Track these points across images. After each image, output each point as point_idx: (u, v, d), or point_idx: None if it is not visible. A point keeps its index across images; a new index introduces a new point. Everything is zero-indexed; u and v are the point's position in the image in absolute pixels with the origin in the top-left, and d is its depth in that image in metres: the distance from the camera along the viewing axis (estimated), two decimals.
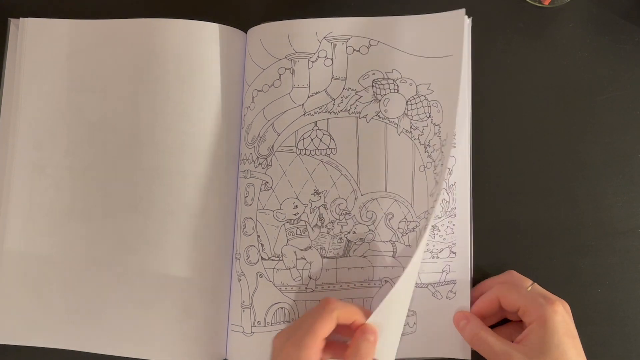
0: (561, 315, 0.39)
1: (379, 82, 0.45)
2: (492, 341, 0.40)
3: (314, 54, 0.45)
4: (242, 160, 0.47)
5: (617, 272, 0.45)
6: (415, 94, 0.45)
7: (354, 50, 0.45)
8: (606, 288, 0.45)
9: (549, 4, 0.48)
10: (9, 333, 0.45)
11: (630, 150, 0.46)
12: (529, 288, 0.41)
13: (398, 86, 0.45)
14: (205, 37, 0.46)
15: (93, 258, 0.45)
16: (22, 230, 0.46)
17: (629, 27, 0.48)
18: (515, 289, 0.41)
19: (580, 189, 0.46)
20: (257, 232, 0.45)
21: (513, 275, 0.43)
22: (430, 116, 0.44)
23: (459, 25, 0.43)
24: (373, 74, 0.45)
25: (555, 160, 0.46)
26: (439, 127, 0.44)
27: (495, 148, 0.46)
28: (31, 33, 0.47)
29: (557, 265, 0.44)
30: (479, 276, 0.45)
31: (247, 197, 0.46)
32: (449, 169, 0.44)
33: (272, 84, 0.46)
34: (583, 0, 0.48)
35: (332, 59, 0.45)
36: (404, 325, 0.43)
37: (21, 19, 0.48)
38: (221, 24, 0.47)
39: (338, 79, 0.45)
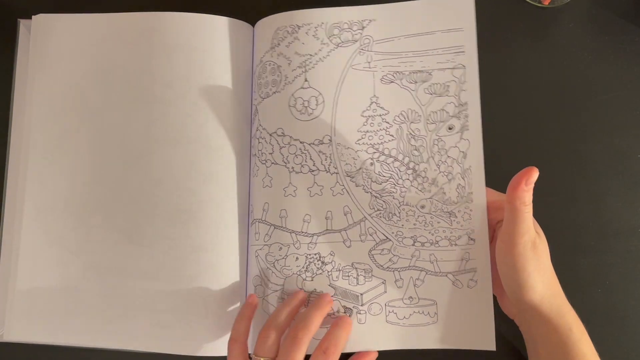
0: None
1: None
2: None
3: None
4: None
5: (617, 272, 0.45)
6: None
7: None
8: (606, 288, 0.45)
9: (549, 4, 0.48)
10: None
11: (630, 150, 0.46)
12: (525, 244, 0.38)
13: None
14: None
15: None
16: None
17: (629, 27, 0.48)
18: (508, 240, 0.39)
19: (580, 189, 0.46)
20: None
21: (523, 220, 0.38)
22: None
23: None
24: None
25: (555, 160, 0.46)
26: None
27: (495, 148, 0.46)
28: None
29: (556, 265, 0.44)
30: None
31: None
32: (463, 152, 0.43)
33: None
34: (583, 0, 0.48)
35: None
36: (425, 315, 0.42)
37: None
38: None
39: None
